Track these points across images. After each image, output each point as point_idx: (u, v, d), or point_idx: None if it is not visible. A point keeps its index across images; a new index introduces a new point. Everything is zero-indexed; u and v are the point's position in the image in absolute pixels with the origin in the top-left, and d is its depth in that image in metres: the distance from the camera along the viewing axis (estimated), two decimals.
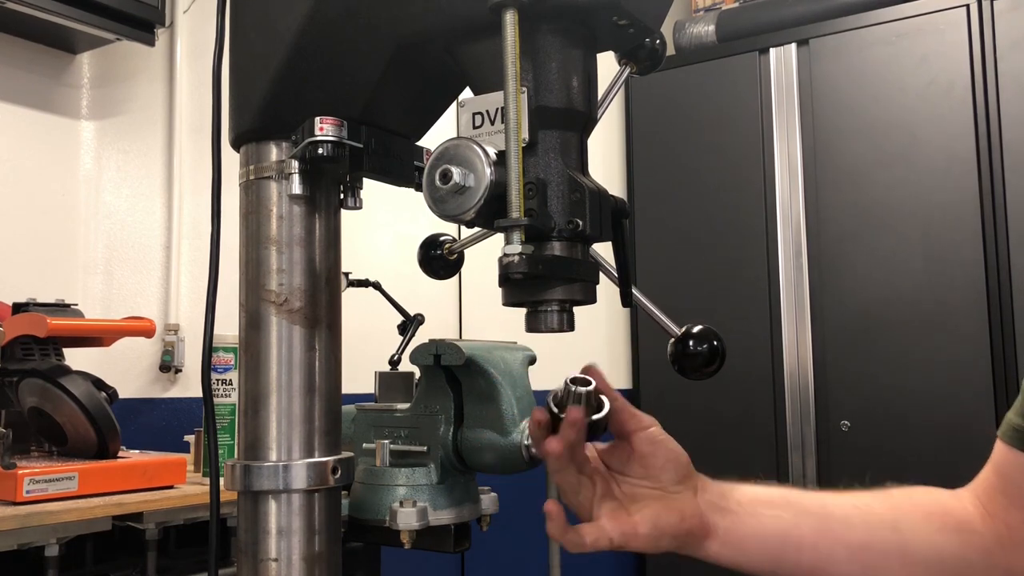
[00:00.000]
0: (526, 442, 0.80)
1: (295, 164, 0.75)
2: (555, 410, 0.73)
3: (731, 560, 0.81)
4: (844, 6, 3.12)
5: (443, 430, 0.83)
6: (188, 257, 2.35)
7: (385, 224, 2.77)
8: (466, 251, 0.84)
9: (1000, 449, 0.90)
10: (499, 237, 0.68)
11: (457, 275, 0.86)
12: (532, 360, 0.89)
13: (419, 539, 0.79)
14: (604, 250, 0.75)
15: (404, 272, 1.47)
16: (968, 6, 2.88)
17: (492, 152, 0.66)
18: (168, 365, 2.25)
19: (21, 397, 1.60)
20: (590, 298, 0.72)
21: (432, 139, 0.78)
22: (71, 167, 2.21)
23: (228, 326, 0.92)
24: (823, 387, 3.02)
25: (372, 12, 0.72)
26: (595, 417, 0.74)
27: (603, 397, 0.75)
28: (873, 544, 0.83)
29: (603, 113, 0.77)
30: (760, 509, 0.83)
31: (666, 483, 0.78)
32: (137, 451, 1.73)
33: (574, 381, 0.74)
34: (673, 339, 0.76)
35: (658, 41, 0.78)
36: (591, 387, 0.74)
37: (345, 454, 0.78)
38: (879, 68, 3.01)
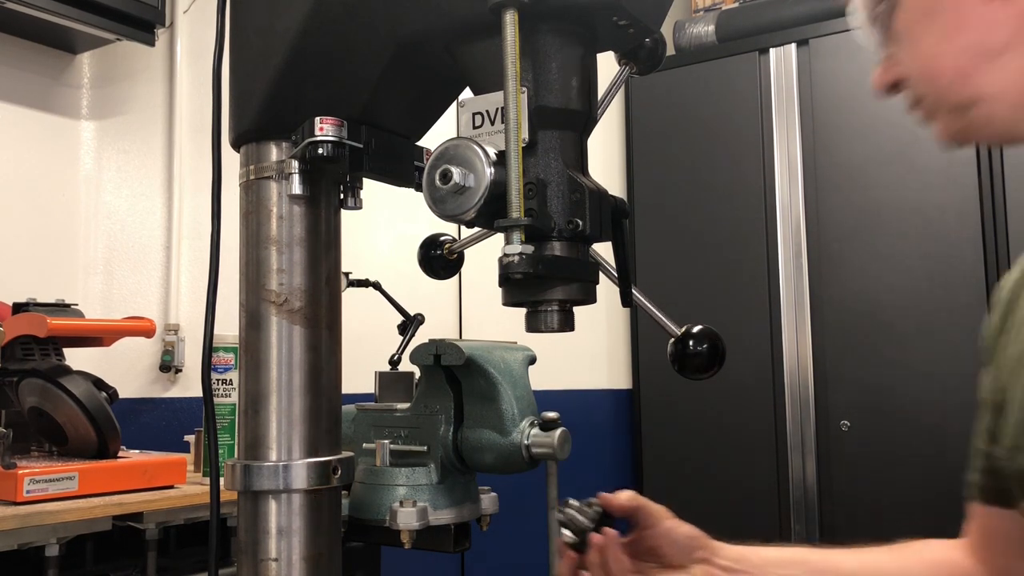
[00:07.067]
0: (526, 442, 0.80)
1: (295, 164, 0.75)
2: (573, 538, 0.84)
3: None
4: (844, 6, 3.12)
5: (443, 430, 0.83)
6: (188, 257, 2.35)
7: (385, 224, 2.76)
8: (466, 251, 0.84)
9: (971, 509, 0.95)
10: (499, 237, 0.68)
11: (457, 275, 0.86)
12: (532, 360, 0.89)
13: (419, 539, 0.79)
14: (604, 250, 0.75)
15: (404, 272, 1.47)
16: None
17: (492, 152, 0.66)
18: (168, 365, 2.25)
19: (21, 397, 1.60)
20: (590, 298, 0.72)
21: (432, 139, 0.78)
22: (71, 167, 2.21)
23: (228, 326, 0.92)
24: (823, 387, 3.02)
25: (372, 12, 0.72)
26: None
27: (598, 507, 0.86)
28: None
29: (603, 113, 0.77)
30: (772, 570, 0.91)
31: (681, 561, 0.88)
32: (137, 451, 1.73)
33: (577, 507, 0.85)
34: (673, 339, 0.76)
35: (658, 41, 0.78)
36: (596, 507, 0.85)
37: (345, 454, 0.78)
38: None
